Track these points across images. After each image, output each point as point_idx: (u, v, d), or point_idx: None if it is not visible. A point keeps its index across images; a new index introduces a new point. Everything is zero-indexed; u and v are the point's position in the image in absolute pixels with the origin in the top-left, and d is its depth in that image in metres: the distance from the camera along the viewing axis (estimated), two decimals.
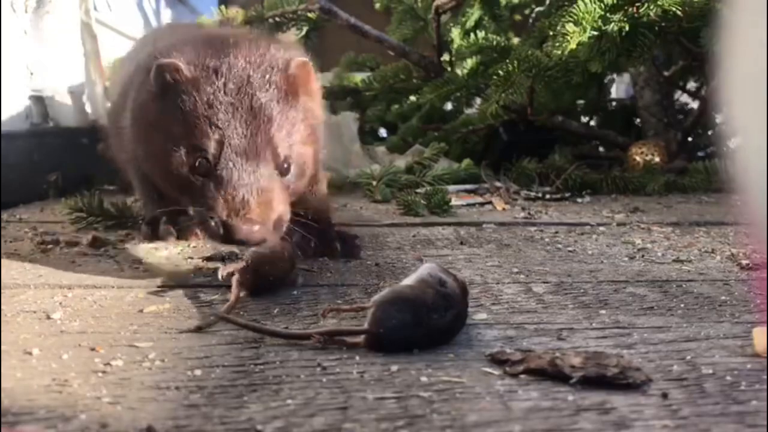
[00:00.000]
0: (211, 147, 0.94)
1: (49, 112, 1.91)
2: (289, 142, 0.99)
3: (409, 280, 0.80)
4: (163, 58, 1.01)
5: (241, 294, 0.90)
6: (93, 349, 0.73)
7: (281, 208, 0.95)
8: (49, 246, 1.24)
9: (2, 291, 0.94)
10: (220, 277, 0.92)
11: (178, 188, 0.99)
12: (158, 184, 1.10)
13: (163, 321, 0.84)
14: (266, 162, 0.95)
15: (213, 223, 0.92)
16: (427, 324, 0.74)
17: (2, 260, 1.12)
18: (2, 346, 0.73)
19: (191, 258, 1.16)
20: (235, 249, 1.18)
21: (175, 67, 0.98)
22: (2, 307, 0.87)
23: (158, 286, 0.99)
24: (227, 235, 0.91)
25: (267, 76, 1.00)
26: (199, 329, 0.80)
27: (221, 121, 0.95)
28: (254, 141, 0.95)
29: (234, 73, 0.99)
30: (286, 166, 0.98)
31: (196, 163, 0.95)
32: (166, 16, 2.78)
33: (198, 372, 0.68)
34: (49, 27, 1.91)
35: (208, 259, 1.14)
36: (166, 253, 1.19)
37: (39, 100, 1.88)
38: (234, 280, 0.90)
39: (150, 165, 1.06)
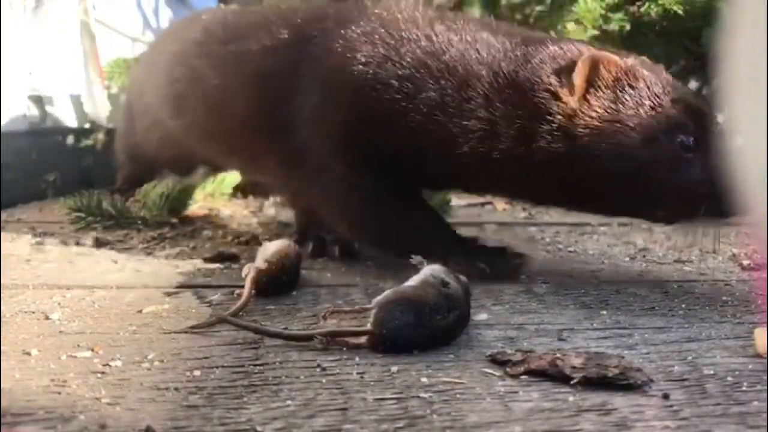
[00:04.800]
0: (691, 123, 0.94)
1: (47, 111, 1.90)
2: None
3: (411, 281, 0.79)
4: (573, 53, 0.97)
5: (252, 295, 0.88)
6: (92, 350, 0.73)
7: None
8: (48, 246, 1.24)
9: (1, 291, 0.94)
10: (243, 275, 0.90)
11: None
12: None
13: (162, 321, 0.83)
14: None
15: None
16: (430, 325, 0.74)
17: (1, 260, 1.11)
18: (1, 347, 0.73)
19: (190, 258, 1.15)
20: (234, 249, 1.18)
21: (612, 61, 0.95)
22: (1, 307, 0.87)
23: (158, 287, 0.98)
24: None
25: None
26: (196, 329, 0.80)
27: (693, 100, 0.98)
28: None
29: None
30: None
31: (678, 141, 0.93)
32: (166, 15, 2.77)
33: (197, 373, 0.68)
34: (47, 26, 1.90)
35: (208, 259, 1.13)
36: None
37: (37, 100, 1.88)
38: (248, 280, 0.88)
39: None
